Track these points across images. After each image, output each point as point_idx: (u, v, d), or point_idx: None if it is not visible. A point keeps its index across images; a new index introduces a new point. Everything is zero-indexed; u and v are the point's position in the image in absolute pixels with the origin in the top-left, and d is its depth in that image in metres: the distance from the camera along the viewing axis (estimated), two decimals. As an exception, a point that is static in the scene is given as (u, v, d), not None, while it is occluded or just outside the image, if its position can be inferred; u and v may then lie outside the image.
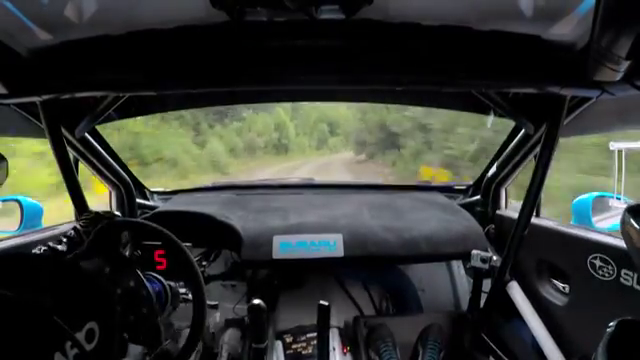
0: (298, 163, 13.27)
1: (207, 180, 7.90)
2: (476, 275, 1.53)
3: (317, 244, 1.50)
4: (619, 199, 2.06)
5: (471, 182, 1.97)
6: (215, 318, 1.54)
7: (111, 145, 1.64)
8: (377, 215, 1.66)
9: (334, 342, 1.51)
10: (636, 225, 0.59)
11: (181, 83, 1.02)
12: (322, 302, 1.11)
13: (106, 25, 0.91)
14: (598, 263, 1.15)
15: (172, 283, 1.22)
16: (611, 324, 0.66)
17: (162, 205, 1.87)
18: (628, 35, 0.68)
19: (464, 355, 1.51)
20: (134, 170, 1.83)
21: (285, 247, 1.49)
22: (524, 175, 1.57)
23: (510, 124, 1.56)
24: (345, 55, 0.95)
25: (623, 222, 0.65)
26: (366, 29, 0.92)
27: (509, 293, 1.47)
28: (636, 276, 1.04)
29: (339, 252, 1.48)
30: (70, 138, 1.35)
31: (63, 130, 1.28)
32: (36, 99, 1.06)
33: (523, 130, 1.43)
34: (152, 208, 1.83)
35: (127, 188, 1.73)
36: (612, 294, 1.11)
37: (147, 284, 1.12)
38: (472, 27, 0.91)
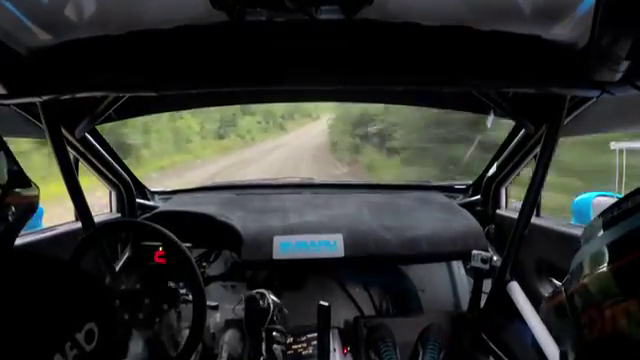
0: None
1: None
2: (476, 275, 1.53)
3: (317, 244, 1.50)
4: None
5: (471, 182, 1.97)
6: (215, 318, 1.54)
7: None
8: (377, 215, 1.66)
9: (334, 342, 1.51)
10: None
11: (181, 83, 1.02)
12: (322, 302, 1.11)
13: (106, 25, 0.91)
14: None
15: (172, 284, 1.22)
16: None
17: (162, 205, 1.87)
18: (628, 35, 0.68)
19: (464, 355, 1.51)
20: None
21: (285, 247, 1.49)
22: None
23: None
24: (345, 55, 0.95)
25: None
26: (366, 29, 0.92)
27: (509, 293, 1.47)
28: None
29: (339, 252, 1.48)
30: (70, 138, 1.35)
31: (63, 130, 1.28)
32: (36, 99, 1.06)
33: (523, 130, 1.43)
34: (152, 208, 1.83)
35: (127, 188, 1.73)
36: None
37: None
38: (472, 27, 0.91)
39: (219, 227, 1.58)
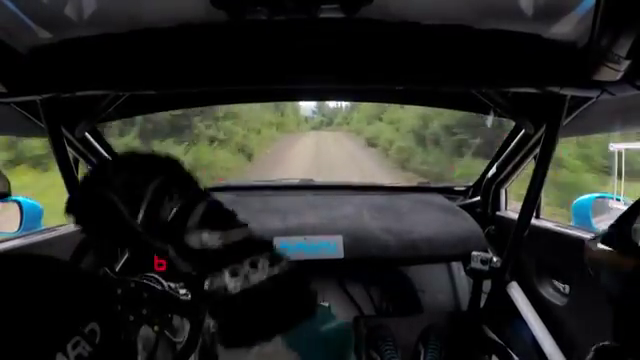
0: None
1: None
2: (476, 276, 1.52)
3: (317, 245, 1.50)
4: (619, 200, 2.06)
5: (471, 183, 1.97)
6: None
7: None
8: (377, 216, 1.66)
9: None
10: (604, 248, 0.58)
11: (182, 82, 1.02)
12: (322, 303, 1.10)
13: (106, 24, 0.91)
14: None
15: (172, 284, 1.21)
16: (592, 349, 0.65)
17: None
18: (628, 34, 0.68)
19: (465, 356, 1.51)
20: None
21: (285, 248, 1.49)
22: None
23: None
24: (345, 54, 0.95)
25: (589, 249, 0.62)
26: (366, 28, 0.92)
27: (509, 294, 1.47)
28: None
29: (339, 254, 1.48)
30: (70, 137, 1.35)
31: (63, 129, 1.28)
32: (36, 98, 1.06)
33: (523, 130, 1.43)
34: None
35: None
36: None
37: (134, 279, 1.12)
38: (472, 26, 0.91)
39: None
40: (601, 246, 0.58)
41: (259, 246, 0.63)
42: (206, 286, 0.62)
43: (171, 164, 0.73)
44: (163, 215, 0.65)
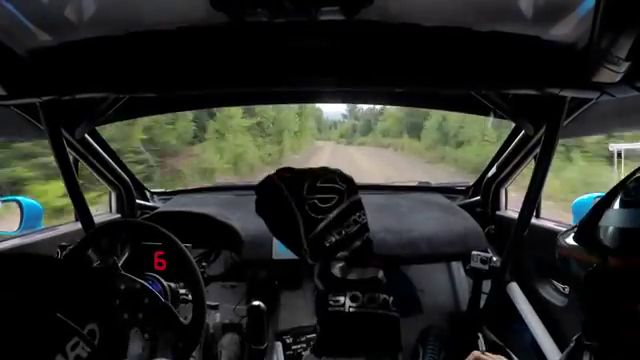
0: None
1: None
2: (476, 276, 1.52)
3: None
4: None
5: (471, 183, 1.97)
6: (215, 319, 1.54)
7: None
8: (377, 216, 1.66)
9: None
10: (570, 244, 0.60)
11: (181, 84, 1.02)
12: None
13: (106, 26, 0.91)
14: None
15: (172, 284, 1.22)
16: (572, 339, 0.67)
17: (162, 206, 1.87)
18: (628, 36, 0.68)
19: (464, 357, 1.51)
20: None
21: (285, 247, 1.49)
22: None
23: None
24: (345, 56, 0.95)
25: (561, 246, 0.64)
26: (366, 30, 0.92)
27: (509, 294, 1.47)
28: None
29: None
30: (70, 139, 1.35)
31: (63, 131, 1.28)
32: (36, 100, 1.06)
33: (523, 131, 1.43)
34: (152, 209, 1.83)
35: (127, 189, 1.74)
36: None
37: (141, 281, 1.12)
38: (472, 28, 0.91)
39: (219, 227, 1.58)
40: (570, 242, 0.59)
41: (379, 287, 0.78)
42: (330, 301, 0.77)
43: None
44: (325, 239, 0.78)
